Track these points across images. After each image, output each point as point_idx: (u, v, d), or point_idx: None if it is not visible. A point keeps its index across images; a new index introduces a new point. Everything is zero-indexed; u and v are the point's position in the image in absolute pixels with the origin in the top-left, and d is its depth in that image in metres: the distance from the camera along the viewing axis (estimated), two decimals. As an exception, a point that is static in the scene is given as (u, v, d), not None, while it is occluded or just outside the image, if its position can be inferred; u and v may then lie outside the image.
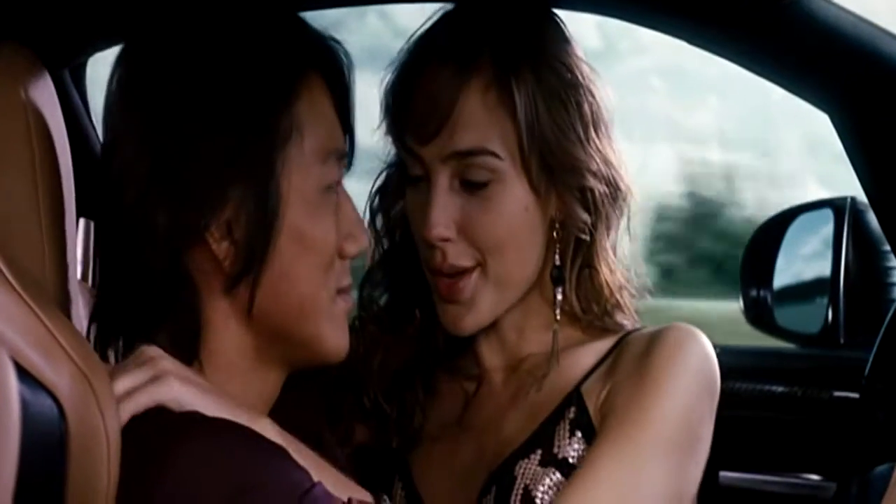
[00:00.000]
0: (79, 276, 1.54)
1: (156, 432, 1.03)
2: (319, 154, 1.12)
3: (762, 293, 2.10)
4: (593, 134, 1.29)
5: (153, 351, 1.07)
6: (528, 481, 1.25)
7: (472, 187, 1.27)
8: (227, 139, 1.08)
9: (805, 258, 2.12)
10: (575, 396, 1.27)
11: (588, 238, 1.30)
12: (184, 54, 1.10)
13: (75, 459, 0.92)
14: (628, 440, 1.18)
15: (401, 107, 1.29)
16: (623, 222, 1.34)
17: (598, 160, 1.29)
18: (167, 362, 1.07)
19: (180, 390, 1.05)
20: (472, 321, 1.29)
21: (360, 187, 1.35)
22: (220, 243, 1.09)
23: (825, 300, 2.02)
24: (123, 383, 1.04)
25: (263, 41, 1.11)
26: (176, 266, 1.09)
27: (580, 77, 1.29)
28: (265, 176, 1.09)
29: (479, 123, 1.25)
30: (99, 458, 0.95)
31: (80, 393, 0.93)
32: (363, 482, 1.26)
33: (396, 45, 1.33)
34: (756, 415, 1.99)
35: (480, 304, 1.29)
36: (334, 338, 1.15)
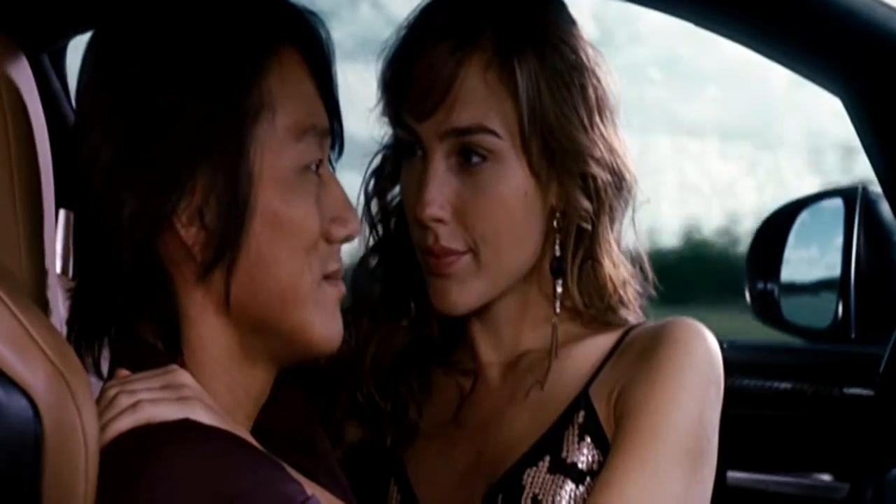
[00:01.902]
0: (58, 270, 1.51)
1: (143, 436, 1.00)
2: (294, 131, 1.08)
3: (769, 286, 2.09)
4: (597, 119, 1.27)
5: (183, 375, 1.06)
6: (536, 490, 1.23)
7: (469, 167, 1.25)
8: (193, 117, 1.04)
9: (814, 250, 2.11)
10: (583, 400, 1.26)
11: (590, 228, 1.28)
12: (150, 34, 1.07)
13: (51, 462, 0.90)
14: (646, 452, 1.17)
15: (399, 82, 1.27)
16: (628, 214, 1.31)
17: (601, 147, 1.26)
18: (196, 388, 1.05)
19: (201, 416, 1.03)
20: (459, 298, 1.27)
21: (352, 179, 1.33)
22: (189, 229, 1.06)
23: (835, 294, 2.00)
24: (149, 392, 1.03)
25: (231, 17, 1.08)
26: (145, 255, 1.06)
27: (585, 59, 1.27)
28: (234, 155, 1.05)
29: (479, 101, 1.23)
30: (76, 461, 0.92)
31: (57, 392, 0.91)
32: (357, 485, 1.26)
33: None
34: (764, 412, 1.98)
35: (469, 283, 1.26)
36: (322, 325, 1.11)
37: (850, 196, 1.99)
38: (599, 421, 1.23)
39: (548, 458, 1.23)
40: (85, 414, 0.93)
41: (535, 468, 1.23)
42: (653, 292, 1.33)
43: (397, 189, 1.33)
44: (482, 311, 1.30)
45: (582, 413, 1.24)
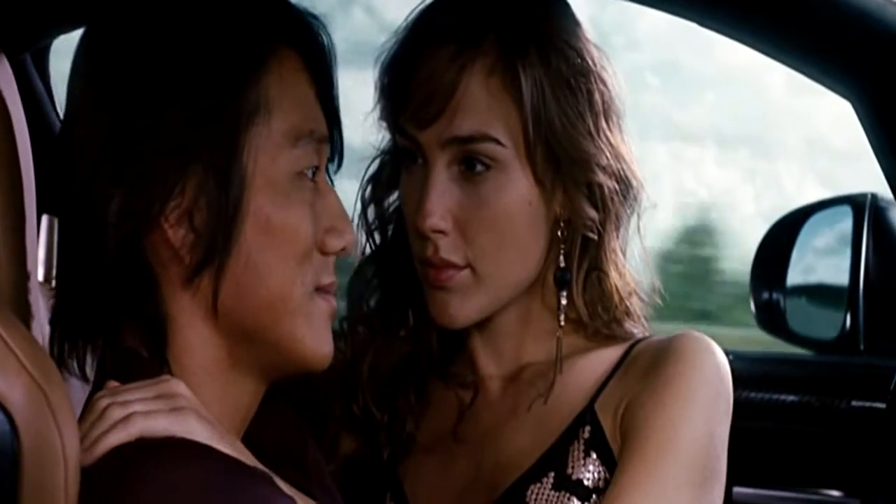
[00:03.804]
0: (41, 277, 1.48)
1: (134, 451, 0.97)
2: (290, 135, 1.06)
3: (775, 296, 2.08)
4: (604, 125, 1.24)
5: (178, 385, 1.03)
6: None
7: (472, 176, 1.22)
8: (186, 113, 1.02)
9: (821, 258, 2.09)
10: (589, 414, 1.23)
11: (596, 238, 1.25)
12: (146, 26, 1.04)
13: (29, 480, 0.87)
14: (654, 469, 1.16)
15: (398, 89, 1.24)
16: (633, 221, 1.28)
17: (608, 154, 1.24)
18: (190, 398, 1.03)
19: (195, 427, 1.01)
20: (459, 312, 1.24)
21: (347, 186, 1.29)
22: (177, 230, 1.03)
23: (843, 303, 1.98)
24: (140, 404, 1.00)
25: (230, 17, 1.05)
26: (131, 255, 1.03)
27: (591, 63, 1.24)
28: (227, 155, 1.03)
29: (482, 108, 1.21)
30: (55, 479, 0.90)
31: (36, 407, 0.88)
32: (352, 499, 1.24)
33: (383, 41, 1.29)
34: (771, 426, 1.96)
35: (469, 296, 1.24)
36: (312, 339, 1.08)
37: (859, 203, 1.97)
38: (606, 436, 1.21)
39: (552, 475, 1.21)
40: (65, 429, 0.90)
41: (539, 484, 1.21)
42: (658, 301, 1.31)
43: (395, 195, 1.31)
44: (482, 323, 1.27)
45: (588, 428, 1.22)
